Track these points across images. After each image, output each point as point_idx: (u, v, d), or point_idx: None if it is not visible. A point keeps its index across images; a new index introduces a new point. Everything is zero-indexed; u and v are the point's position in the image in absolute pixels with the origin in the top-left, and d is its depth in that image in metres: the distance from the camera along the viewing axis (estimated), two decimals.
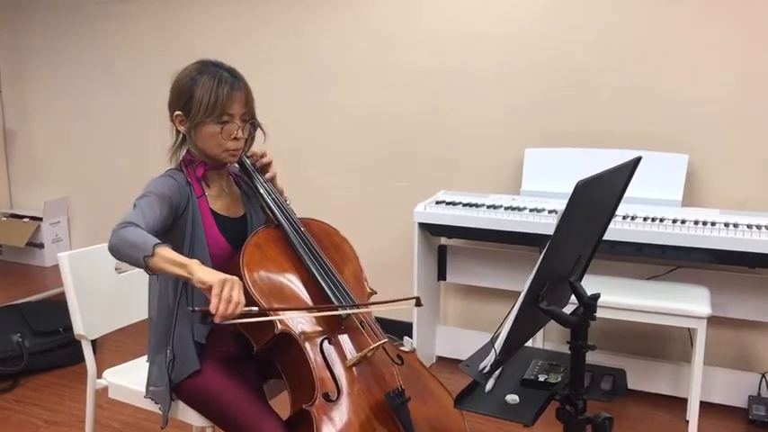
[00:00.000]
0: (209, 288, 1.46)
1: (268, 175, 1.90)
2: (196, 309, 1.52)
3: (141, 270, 1.92)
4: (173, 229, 1.72)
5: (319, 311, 1.73)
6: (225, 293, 1.46)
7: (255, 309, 1.58)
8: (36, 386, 2.97)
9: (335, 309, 1.72)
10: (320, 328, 1.72)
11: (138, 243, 1.54)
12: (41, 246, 4.59)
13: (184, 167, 1.81)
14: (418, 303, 1.78)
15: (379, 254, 3.37)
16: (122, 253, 1.57)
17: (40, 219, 4.53)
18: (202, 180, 1.81)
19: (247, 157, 1.89)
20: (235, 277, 1.50)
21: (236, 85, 1.74)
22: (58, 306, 3.14)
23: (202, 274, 1.49)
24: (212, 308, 1.45)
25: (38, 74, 4.58)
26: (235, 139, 1.75)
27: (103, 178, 4.43)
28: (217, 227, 1.79)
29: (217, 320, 1.45)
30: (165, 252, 1.53)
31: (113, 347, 3.08)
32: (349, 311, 1.73)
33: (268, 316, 1.63)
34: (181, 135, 1.80)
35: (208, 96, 1.70)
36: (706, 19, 2.74)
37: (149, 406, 1.84)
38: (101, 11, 4.21)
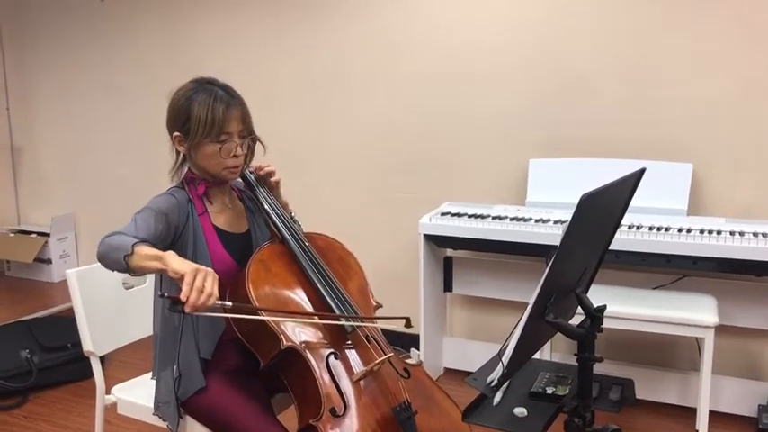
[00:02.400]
0: (182, 277, 1.44)
1: (274, 179, 1.90)
2: (165, 294, 1.48)
3: (149, 285, 1.94)
4: (174, 249, 1.73)
5: (308, 317, 1.72)
6: (198, 283, 1.43)
7: (229, 303, 1.53)
8: (45, 402, 2.98)
9: (335, 318, 1.72)
10: (326, 343, 1.72)
11: (120, 245, 1.54)
12: (49, 261, 4.61)
13: (186, 185, 1.82)
14: (408, 324, 1.74)
15: (384, 266, 3.37)
16: (108, 259, 1.57)
17: (48, 234, 4.54)
18: (204, 197, 1.82)
19: (250, 172, 1.90)
20: (210, 269, 1.48)
21: (232, 103, 1.74)
22: (67, 321, 3.16)
23: (176, 264, 1.48)
24: (183, 296, 1.42)
25: (45, 91, 4.62)
26: (234, 156, 1.76)
27: (110, 194, 4.45)
28: (220, 243, 1.80)
29: (187, 309, 1.42)
30: (144, 249, 1.53)
31: (120, 363, 3.08)
32: (353, 323, 1.74)
33: (244, 314, 1.60)
34: (181, 155, 1.82)
35: (204, 117, 1.70)
36: (708, 25, 2.75)
37: (158, 421, 1.85)
38: (107, 28, 4.25)
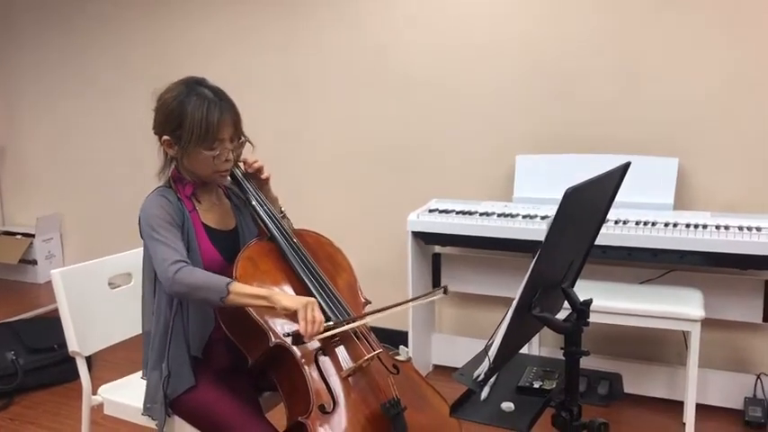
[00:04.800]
0: (295, 313, 1.58)
1: (263, 176, 1.89)
2: (289, 333, 1.61)
3: (135, 285, 1.92)
4: None
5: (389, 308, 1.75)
6: (309, 316, 1.57)
7: (331, 323, 1.65)
8: (31, 404, 2.96)
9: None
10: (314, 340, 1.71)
11: (210, 286, 1.61)
12: (34, 262, 4.57)
13: (173, 184, 1.80)
14: (445, 291, 1.83)
15: (373, 263, 3.37)
16: (194, 297, 1.65)
17: (33, 235, 4.51)
18: (192, 196, 1.81)
19: (237, 167, 1.88)
20: (311, 299, 1.62)
21: (225, 108, 1.72)
22: (52, 322, 3.13)
23: (286, 301, 1.60)
24: (302, 330, 1.57)
25: (28, 90, 4.58)
26: (226, 160, 1.75)
27: (95, 194, 4.42)
28: (210, 240, 1.79)
29: (307, 340, 1.58)
30: (240, 288, 1.62)
31: (107, 363, 3.06)
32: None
33: (342, 326, 1.68)
34: (169, 157, 1.79)
35: (198, 125, 1.68)
36: (693, 23, 2.77)
37: (145, 422, 1.84)
38: (89, 27, 4.22)
